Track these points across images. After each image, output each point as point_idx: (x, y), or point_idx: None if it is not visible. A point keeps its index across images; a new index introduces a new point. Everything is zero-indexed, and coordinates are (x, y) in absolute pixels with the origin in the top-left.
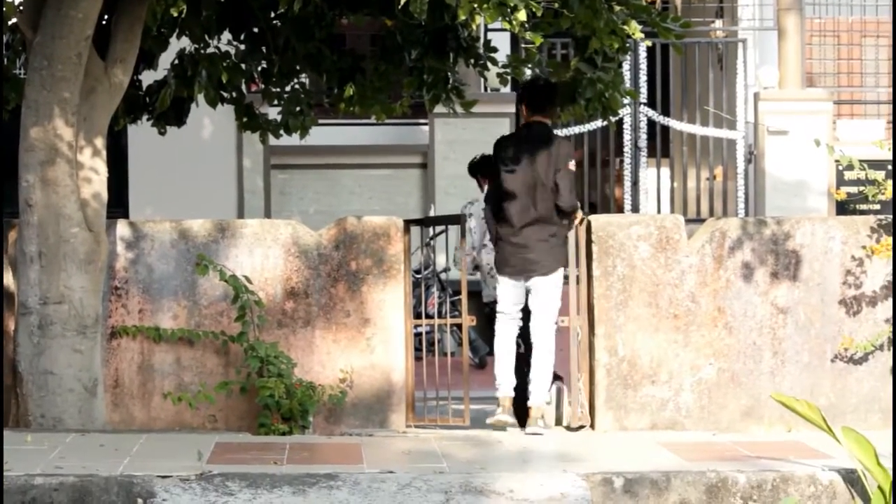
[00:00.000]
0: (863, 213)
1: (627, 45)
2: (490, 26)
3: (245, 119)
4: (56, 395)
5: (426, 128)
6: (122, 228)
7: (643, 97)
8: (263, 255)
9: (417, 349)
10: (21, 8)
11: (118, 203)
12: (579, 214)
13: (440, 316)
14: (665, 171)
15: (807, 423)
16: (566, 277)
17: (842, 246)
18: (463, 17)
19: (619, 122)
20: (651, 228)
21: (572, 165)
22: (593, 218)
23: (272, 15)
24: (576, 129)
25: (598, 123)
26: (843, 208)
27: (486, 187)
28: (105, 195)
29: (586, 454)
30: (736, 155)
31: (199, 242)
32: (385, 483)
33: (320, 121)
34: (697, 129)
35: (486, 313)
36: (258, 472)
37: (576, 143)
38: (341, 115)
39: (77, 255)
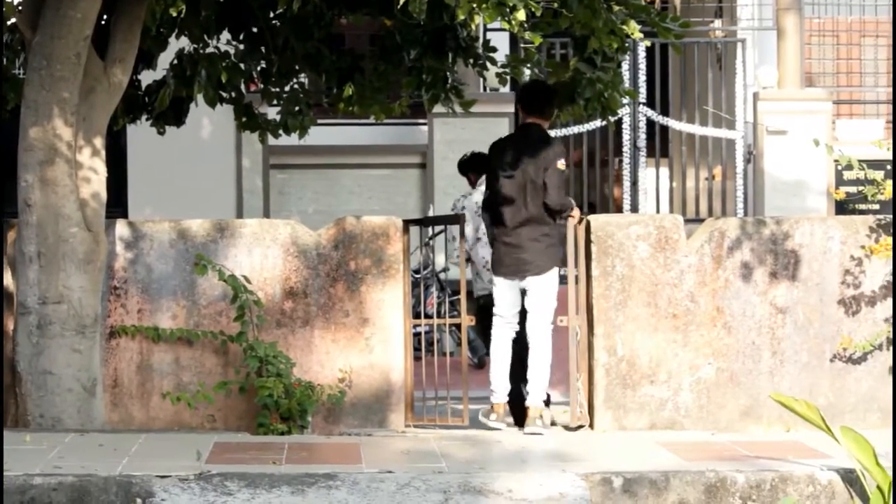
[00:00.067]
0: (862, 212)
1: (626, 44)
2: (489, 26)
3: (244, 119)
4: (55, 394)
5: (425, 128)
6: (121, 228)
7: (642, 97)
8: (262, 255)
9: (416, 349)
10: (20, 8)
11: (117, 203)
12: (576, 213)
13: (439, 316)
14: (664, 171)
15: (805, 422)
16: (564, 277)
17: (841, 246)
18: (462, 17)
19: (619, 122)
20: (650, 228)
21: (561, 164)
22: (592, 218)
23: (271, 15)
24: (575, 129)
25: (598, 123)
26: (842, 208)
27: (478, 184)
28: (104, 195)
29: (585, 454)
30: (735, 155)
31: (198, 242)
32: (384, 483)
33: (319, 121)
34: (696, 129)
35: (479, 306)
36: (257, 471)
37: (575, 143)
38: (340, 115)
39: (76, 254)
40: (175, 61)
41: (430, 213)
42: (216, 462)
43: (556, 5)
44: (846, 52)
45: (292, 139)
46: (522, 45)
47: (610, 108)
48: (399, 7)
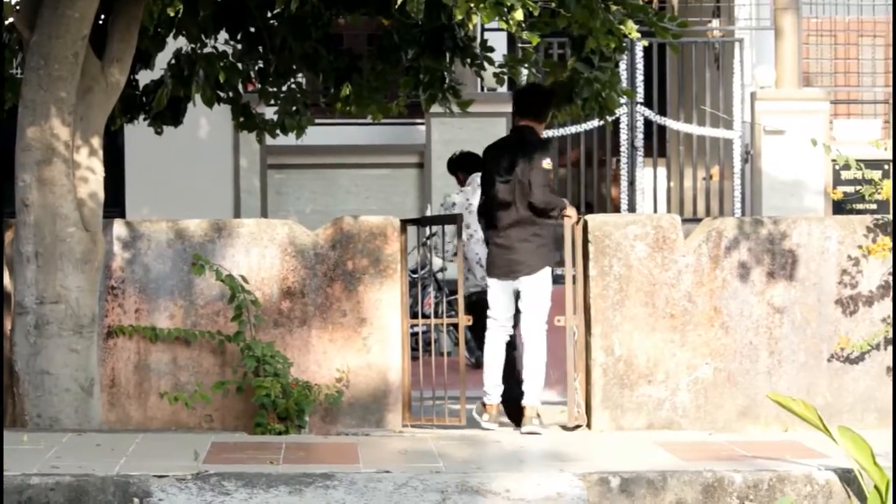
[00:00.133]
0: (859, 212)
1: (624, 44)
2: (487, 26)
3: (241, 119)
4: (52, 394)
5: (423, 127)
6: (118, 228)
7: (640, 97)
8: (260, 255)
9: (414, 349)
10: (18, 7)
11: (115, 203)
12: (572, 213)
13: (436, 316)
14: (662, 171)
15: (803, 422)
16: (561, 277)
17: (838, 246)
18: (459, 17)
19: (616, 122)
20: (647, 228)
21: (546, 164)
22: (590, 217)
23: (269, 14)
24: (572, 129)
25: (595, 123)
26: (839, 208)
27: (467, 183)
28: (102, 195)
29: (583, 454)
30: (732, 154)
31: (196, 242)
32: (381, 483)
33: (317, 120)
34: (694, 129)
35: (471, 302)
36: (254, 471)
37: (572, 143)
38: (338, 115)
39: (73, 254)
40: (173, 61)
41: (428, 213)
42: (213, 462)
43: (553, 5)
44: (844, 52)
45: (290, 139)
46: (520, 45)
47: (607, 108)
48: (397, 7)
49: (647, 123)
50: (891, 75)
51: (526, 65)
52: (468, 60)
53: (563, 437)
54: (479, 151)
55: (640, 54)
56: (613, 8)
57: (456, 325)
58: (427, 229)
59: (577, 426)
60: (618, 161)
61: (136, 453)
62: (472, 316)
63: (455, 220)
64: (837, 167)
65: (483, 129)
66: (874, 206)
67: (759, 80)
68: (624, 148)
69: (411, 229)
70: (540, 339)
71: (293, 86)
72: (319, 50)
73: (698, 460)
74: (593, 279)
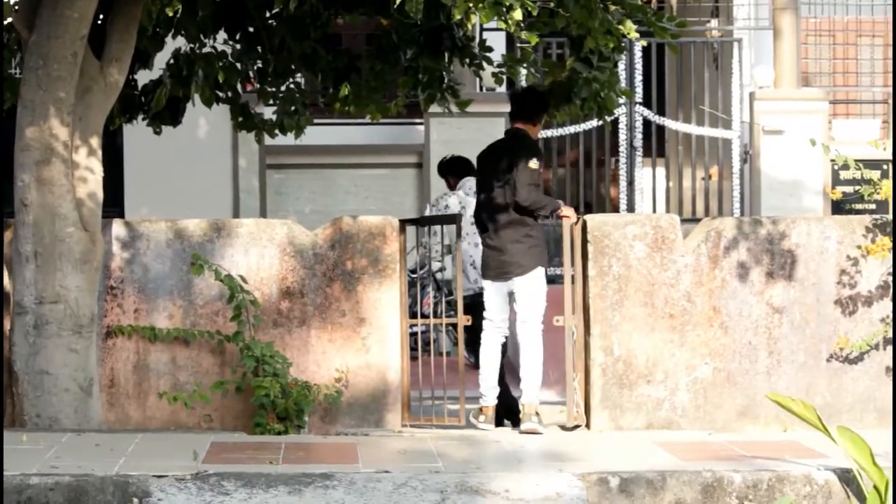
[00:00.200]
0: (858, 212)
1: (623, 44)
2: (485, 26)
3: (240, 119)
4: (52, 394)
5: (421, 127)
6: (117, 228)
7: (639, 97)
8: (259, 255)
9: (413, 349)
10: (17, 7)
11: (114, 203)
12: (569, 213)
13: (436, 315)
14: (660, 171)
15: (802, 422)
16: (560, 277)
17: (837, 246)
18: (458, 17)
19: (615, 122)
20: (647, 228)
21: (533, 164)
22: (589, 217)
23: (267, 14)
24: (571, 129)
25: (594, 123)
26: (838, 208)
27: (457, 187)
28: (100, 195)
29: (582, 454)
30: (731, 154)
31: (195, 242)
32: (381, 483)
33: (315, 120)
34: (693, 129)
35: (464, 304)
36: (254, 471)
37: (571, 143)
38: (337, 115)
39: (73, 254)
40: (171, 61)
41: (427, 213)
42: (213, 462)
43: (552, 5)
44: (843, 52)
45: (289, 139)
46: (519, 45)
47: (606, 108)
48: (395, 7)
49: (646, 123)
50: (890, 75)
51: (525, 65)
52: (467, 60)
53: (562, 437)
54: (478, 151)
55: (638, 54)
56: (612, 8)
57: (455, 325)
58: (426, 229)
59: (577, 426)
60: (617, 161)
61: (135, 453)
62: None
63: (454, 219)
64: (836, 167)
65: (482, 129)
66: (873, 207)
67: (757, 80)
68: (623, 148)
69: (410, 229)
70: (536, 339)
71: (292, 86)
72: (318, 50)
73: (697, 460)
74: (592, 279)
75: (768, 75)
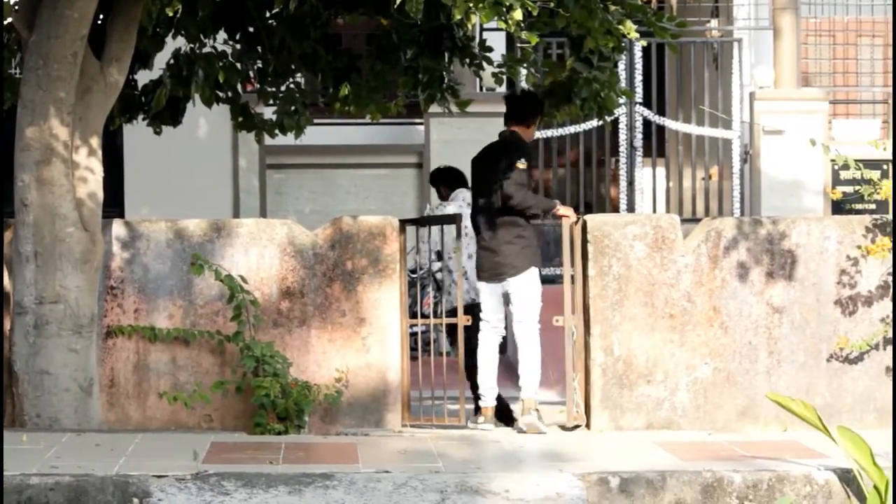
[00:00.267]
0: (858, 212)
1: (623, 44)
2: (485, 26)
3: (240, 119)
4: (52, 394)
5: (421, 127)
6: (117, 228)
7: (639, 97)
8: (259, 255)
9: (413, 349)
10: (17, 7)
11: (114, 203)
12: (567, 212)
13: (436, 316)
14: (661, 171)
15: (802, 422)
16: (560, 277)
17: (837, 246)
18: (458, 17)
19: (615, 122)
20: (647, 228)
21: (521, 164)
22: (589, 217)
23: (267, 14)
24: (571, 129)
25: (594, 123)
26: (838, 208)
27: (451, 198)
28: (101, 195)
29: (582, 454)
30: (731, 154)
31: (195, 242)
32: (381, 483)
33: (316, 120)
34: (693, 129)
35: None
36: (254, 471)
37: (571, 143)
38: (337, 115)
39: (73, 254)
40: (171, 61)
41: (427, 213)
42: (213, 462)
43: (552, 5)
44: (842, 52)
45: (289, 139)
46: (519, 45)
47: (606, 108)
48: (395, 7)
49: (646, 123)
50: (890, 75)
51: (525, 65)
52: (467, 60)
53: (562, 437)
54: (478, 151)
55: (638, 54)
56: (612, 8)
57: (453, 326)
58: (426, 229)
59: (577, 426)
60: (617, 161)
61: (135, 453)
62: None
63: (454, 219)
64: (836, 167)
65: (482, 128)
66: (873, 207)
67: (757, 80)
68: (623, 148)
69: (410, 229)
70: (533, 337)
71: (292, 86)
72: (318, 50)
73: (698, 460)
74: (592, 279)
75: (768, 75)
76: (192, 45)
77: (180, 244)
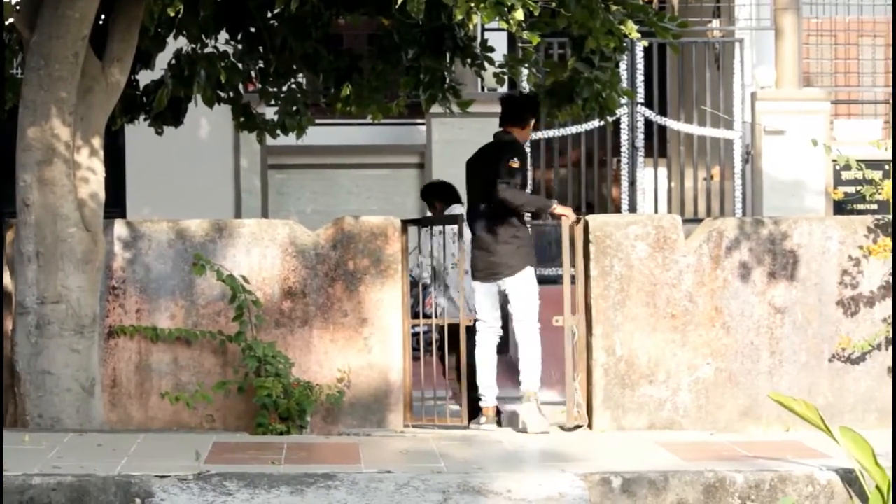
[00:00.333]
0: (860, 212)
1: (624, 44)
2: (487, 26)
3: (242, 119)
4: (54, 394)
5: (423, 128)
6: (119, 228)
7: (640, 97)
8: (261, 255)
9: (415, 349)
10: (18, 8)
11: (115, 203)
12: (565, 211)
13: (438, 316)
14: (662, 171)
15: (804, 422)
16: (561, 277)
17: (839, 246)
18: (460, 17)
19: (616, 122)
20: (648, 228)
21: (513, 163)
22: (591, 218)
23: (269, 15)
24: (573, 129)
25: (596, 123)
26: (840, 208)
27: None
28: (102, 195)
29: (584, 454)
30: (733, 155)
31: (197, 242)
32: (383, 483)
33: (317, 121)
34: (694, 129)
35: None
36: (256, 471)
37: (573, 143)
38: (338, 115)
39: (74, 254)
40: (173, 61)
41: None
42: (215, 462)
43: (553, 5)
44: (844, 52)
45: (290, 139)
46: (520, 45)
47: (608, 108)
48: (397, 7)
49: (648, 123)
50: (891, 75)
51: (526, 65)
52: (468, 60)
53: (564, 438)
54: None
55: (640, 54)
56: (613, 8)
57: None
58: (428, 229)
59: (578, 426)
60: (618, 161)
61: (137, 453)
62: (451, 347)
63: (456, 220)
64: (838, 167)
65: (483, 129)
66: (875, 207)
67: (759, 80)
68: (624, 148)
69: (412, 229)
70: (533, 335)
71: (293, 86)
72: (320, 50)
73: (700, 460)
74: (594, 279)
75: (770, 75)
76: (193, 46)
77: (182, 244)
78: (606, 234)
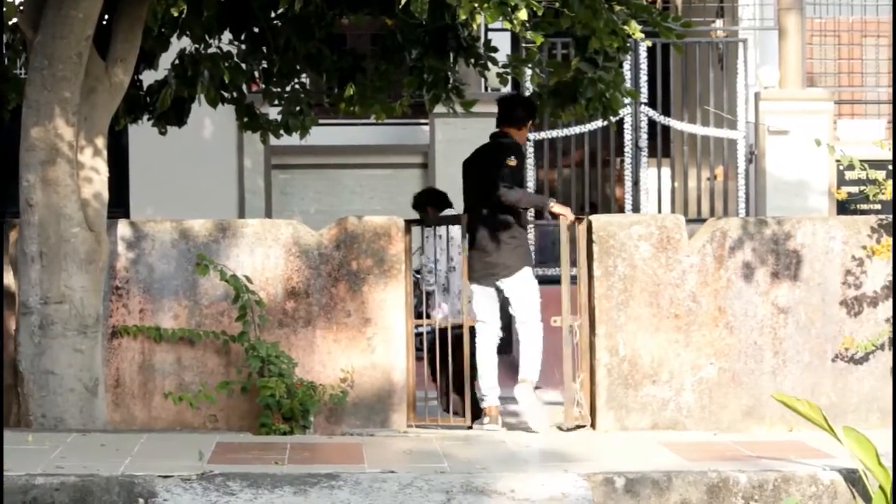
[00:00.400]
0: (863, 212)
1: (628, 44)
2: (490, 26)
3: (245, 119)
4: (57, 394)
5: (426, 127)
6: (122, 228)
7: (644, 97)
8: (264, 255)
9: (418, 349)
10: (22, 8)
11: (119, 203)
12: (563, 211)
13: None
14: (666, 171)
15: (808, 422)
16: (556, 278)
17: (842, 246)
18: (463, 17)
19: (620, 122)
20: (652, 228)
21: (510, 161)
22: (594, 218)
23: (272, 15)
24: (576, 129)
25: (599, 123)
26: (843, 208)
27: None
28: (106, 195)
29: (587, 454)
30: (736, 155)
31: (200, 242)
32: (386, 483)
33: (321, 121)
34: (698, 129)
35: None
36: (259, 472)
37: (576, 143)
38: (342, 115)
39: (78, 254)
40: (176, 61)
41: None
42: (218, 462)
43: (557, 5)
44: (847, 52)
45: (294, 139)
46: (524, 45)
47: (611, 108)
48: (400, 7)
49: (651, 124)
50: (894, 75)
51: (529, 65)
52: (472, 60)
53: (567, 438)
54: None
55: (643, 54)
56: (617, 8)
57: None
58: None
59: (578, 426)
60: (622, 161)
61: (140, 453)
62: (452, 351)
63: (459, 220)
64: (841, 167)
65: (486, 129)
66: (878, 207)
67: (762, 80)
68: (628, 148)
69: (415, 229)
70: (537, 335)
71: (297, 86)
72: (323, 50)
73: (703, 460)
74: (597, 279)
75: (773, 75)
76: (197, 46)
77: (185, 244)
78: (610, 234)
